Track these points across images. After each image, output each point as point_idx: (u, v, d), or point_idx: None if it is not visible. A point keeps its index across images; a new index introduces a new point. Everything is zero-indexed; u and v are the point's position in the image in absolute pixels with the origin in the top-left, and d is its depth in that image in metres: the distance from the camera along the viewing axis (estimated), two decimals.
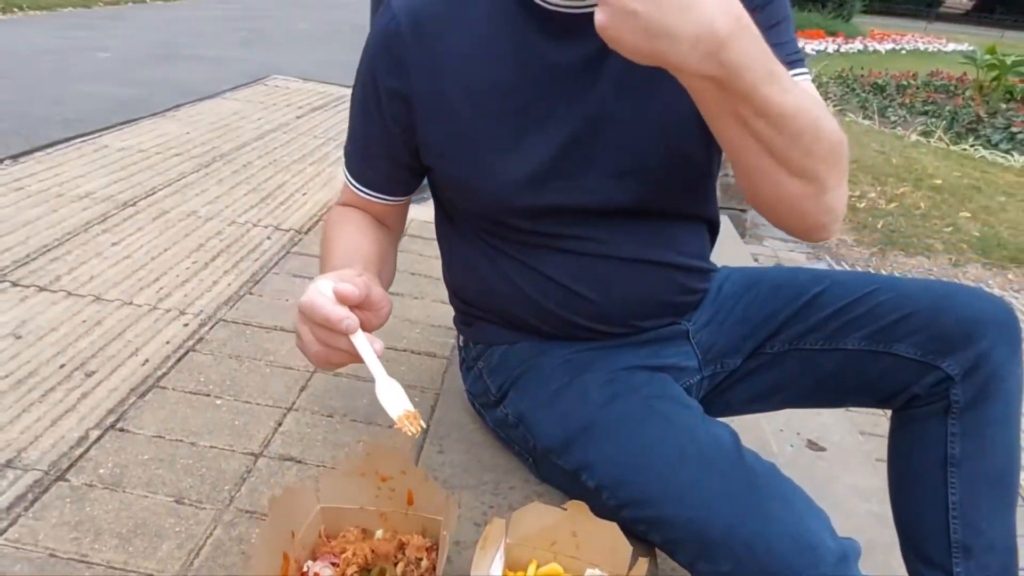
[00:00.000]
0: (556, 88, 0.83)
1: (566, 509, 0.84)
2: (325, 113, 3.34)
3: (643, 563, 0.79)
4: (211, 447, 1.11)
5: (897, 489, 1.00)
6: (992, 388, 0.90)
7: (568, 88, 0.83)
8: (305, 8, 9.19)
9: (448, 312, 1.49)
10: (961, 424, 0.91)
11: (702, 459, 0.79)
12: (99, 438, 1.11)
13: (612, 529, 0.81)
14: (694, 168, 0.91)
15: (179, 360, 1.33)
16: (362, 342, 0.66)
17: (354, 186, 0.96)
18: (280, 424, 1.19)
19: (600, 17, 0.59)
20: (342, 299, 0.67)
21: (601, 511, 0.82)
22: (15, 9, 6.35)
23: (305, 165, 2.53)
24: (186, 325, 1.45)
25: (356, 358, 0.67)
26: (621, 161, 0.86)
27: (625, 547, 0.81)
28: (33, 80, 3.60)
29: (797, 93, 0.66)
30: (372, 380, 0.67)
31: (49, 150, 2.39)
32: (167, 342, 1.38)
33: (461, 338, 1.14)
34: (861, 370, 0.96)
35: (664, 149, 0.86)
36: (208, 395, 1.24)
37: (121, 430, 1.13)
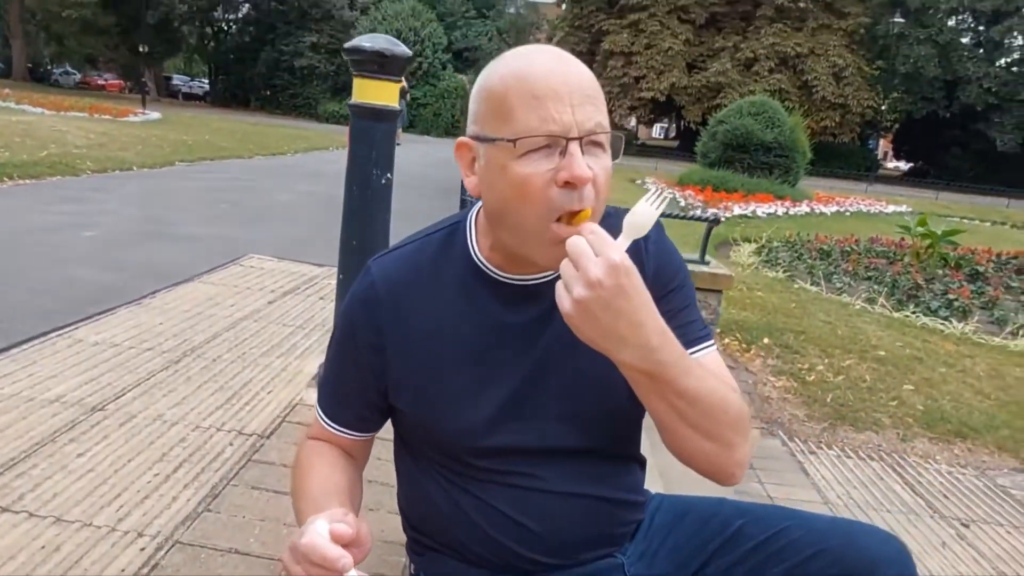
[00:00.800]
0: (509, 344, 0.98)
1: None
2: (296, 297, 3.50)
3: None
4: None
5: None
6: None
7: (519, 345, 0.98)
8: (285, 178, 9.72)
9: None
10: None
11: None
12: None
13: None
14: (625, 416, 1.05)
15: None
16: None
17: (327, 424, 1.07)
18: None
19: (567, 308, 0.77)
20: (337, 538, 0.76)
21: None
22: (5, 179, 6.65)
23: (272, 358, 2.63)
24: (142, 550, 1.47)
25: None
26: (563, 408, 0.99)
27: None
28: (17, 265, 3.75)
29: (708, 380, 0.88)
30: None
31: (25, 346, 2.47)
32: (122, 570, 1.40)
33: (412, 566, 1.19)
34: None
35: (599, 400, 1.01)
36: None
37: None
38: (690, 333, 1.00)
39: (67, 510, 1.57)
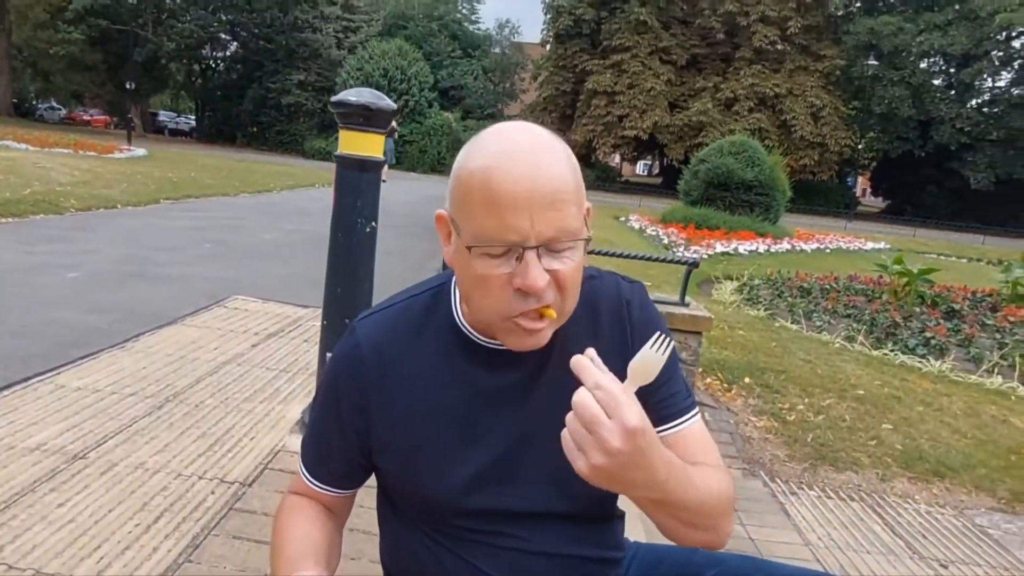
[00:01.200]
0: (491, 409, 1.00)
1: None
2: (280, 340, 3.51)
3: None
4: None
5: None
6: None
7: (504, 409, 1.00)
8: (271, 216, 9.75)
9: None
10: None
11: None
12: None
13: None
14: None
15: None
16: None
17: (309, 481, 1.09)
18: None
19: (583, 471, 0.79)
20: None
21: None
22: None
23: (255, 403, 2.64)
24: None
25: None
26: (547, 473, 1.01)
27: None
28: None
29: (706, 484, 0.93)
30: None
31: (6, 392, 2.46)
32: None
33: None
34: None
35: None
36: None
37: None
38: (673, 405, 1.03)
39: (47, 562, 1.56)
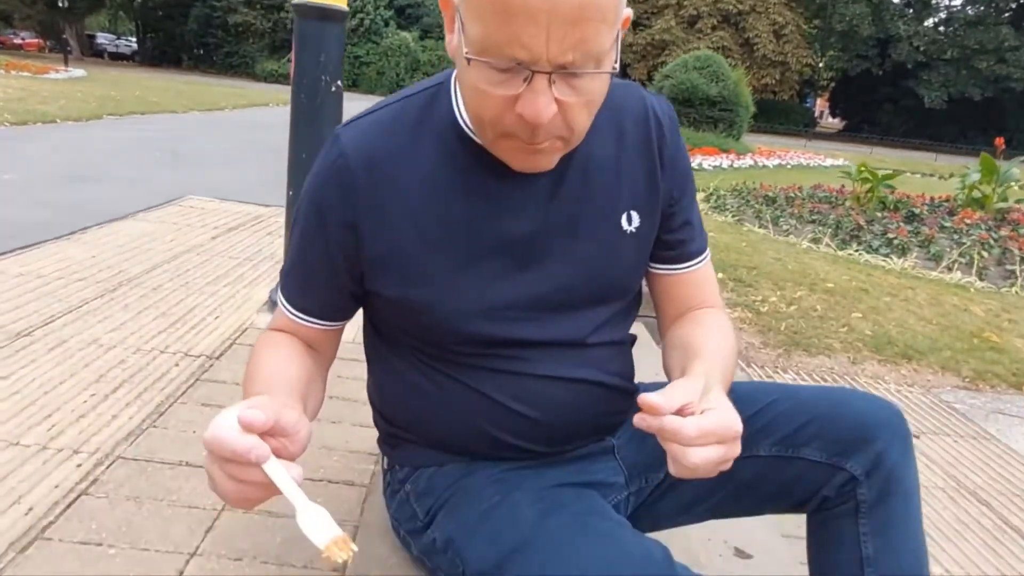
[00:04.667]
0: (499, 222, 0.87)
1: None
2: (242, 233, 3.32)
3: None
4: None
5: None
6: (892, 487, 0.95)
7: (513, 220, 0.88)
8: (224, 129, 9.29)
9: (368, 436, 1.46)
10: (870, 523, 0.95)
11: (633, 573, 0.78)
12: None
13: None
14: (623, 300, 0.99)
15: (69, 506, 1.23)
16: (276, 470, 0.63)
17: (290, 312, 0.95)
18: (182, 572, 1.10)
19: (677, 472, 0.75)
20: (247, 427, 0.63)
21: None
22: None
23: (219, 287, 2.48)
24: (79, 466, 1.35)
25: (272, 490, 0.64)
26: (559, 293, 0.91)
27: None
28: None
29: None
30: (285, 515, 0.63)
31: None
32: (56, 486, 1.28)
33: (386, 460, 1.11)
34: (775, 476, 1.00)
35: (597, 285, 0.94)
36: (100, 544, 1.14)
37: None
38: (692, 243, 0.99)
39: None
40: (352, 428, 1.61)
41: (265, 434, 0.65)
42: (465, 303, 0.89)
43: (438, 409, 0.97)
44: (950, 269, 5.59)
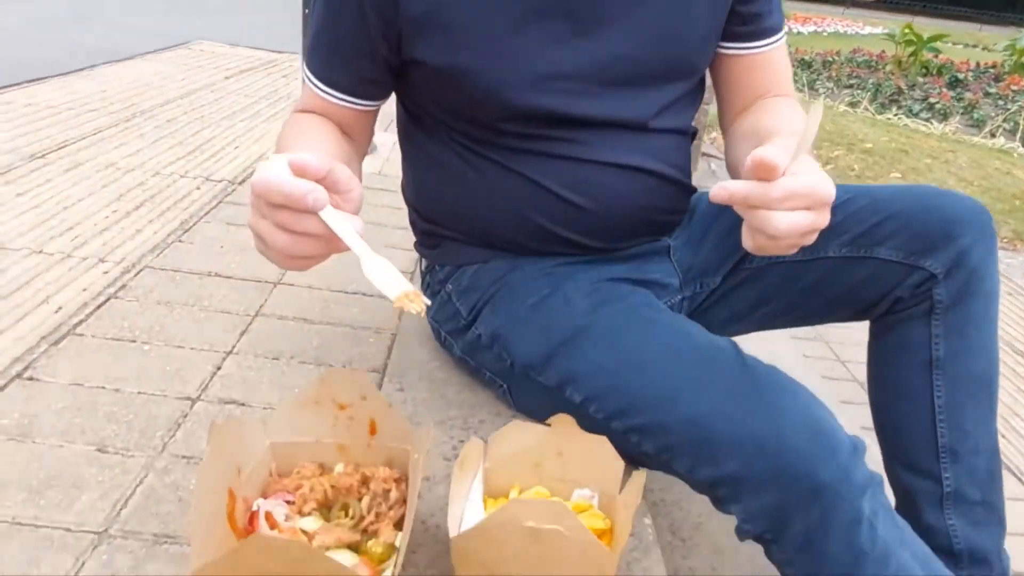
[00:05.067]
0: None
1: (550, 425, 0.76)
2: (255, 75, 3.15)
3: (639, 477, 0.71)
4: (139, 393, 0.99)
5: (880, 399, 0.97)
6: (973, 286, 0.88)
7: None
8: None
9: (401, 257, 1.40)
10: (944, 324, 0.89)
11: (699, 358, 0.73)
12: (1, 388, 0.97)
13: (602, 443, 0.74)
14: (689, 79, 0.90)
15: (99, 307, 1.19)
16: (336, 218, 0.54)
17: (318, 88, 0.85)
18: (219, 368, 1.07)
19: (756, 245, 0.64)
20: (300, 171, 0.54)
21: (588, 428, 0.75)
22: None
23: (236, 121, 2.36)
24: (106, 272, 1.30)
25: (331, 244, 0.55)
26: (622, 67, 0.82)
27: (617, 462, 0.74)
28: None
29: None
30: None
31: None
32: (84, 289, 1.24)
33: (424, 262, 1.05)
34: (843, 278, 0.93)
35: (665, 61, 0.85)
36: (134, 341, 1.11)
37: (30, 379, 0.99)
38: (771, 16, 0.90)
39: (9, 240, 1.37)
40: (384, 250, 1.55)
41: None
42: (516, 71, 0.79)
43: (483, 199, 0.89)
44: (993, 135, 5.37)
